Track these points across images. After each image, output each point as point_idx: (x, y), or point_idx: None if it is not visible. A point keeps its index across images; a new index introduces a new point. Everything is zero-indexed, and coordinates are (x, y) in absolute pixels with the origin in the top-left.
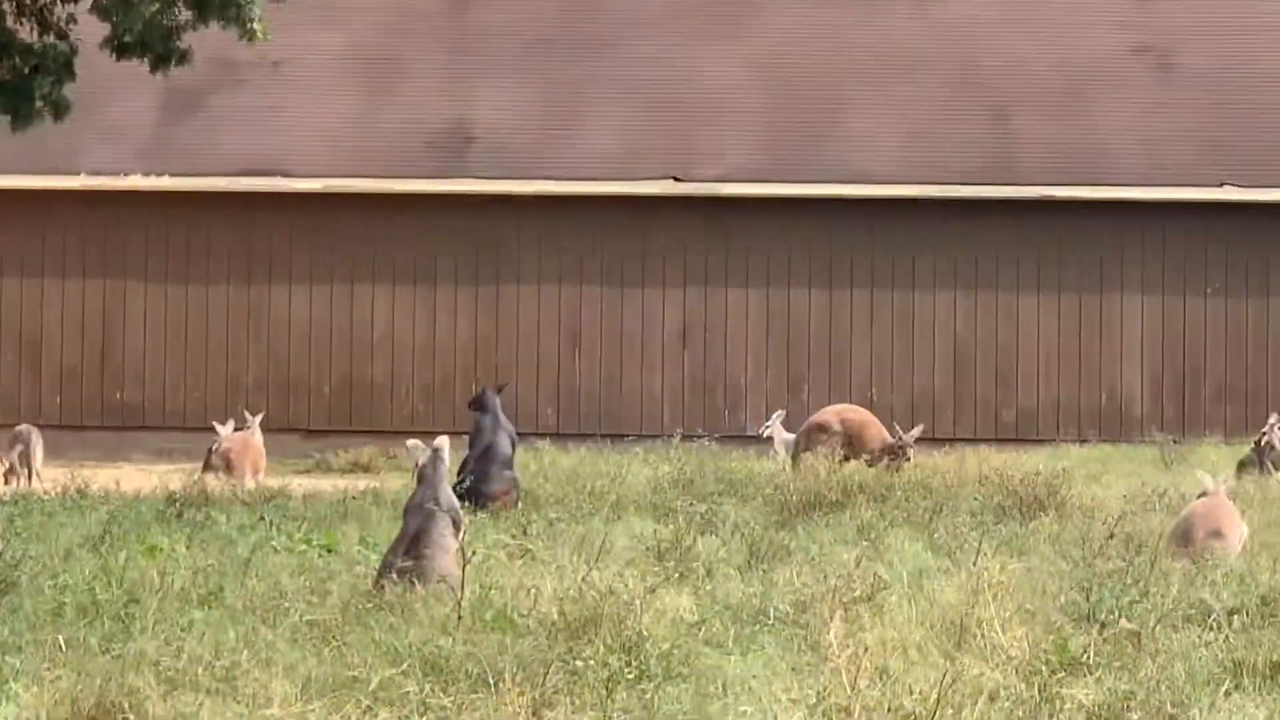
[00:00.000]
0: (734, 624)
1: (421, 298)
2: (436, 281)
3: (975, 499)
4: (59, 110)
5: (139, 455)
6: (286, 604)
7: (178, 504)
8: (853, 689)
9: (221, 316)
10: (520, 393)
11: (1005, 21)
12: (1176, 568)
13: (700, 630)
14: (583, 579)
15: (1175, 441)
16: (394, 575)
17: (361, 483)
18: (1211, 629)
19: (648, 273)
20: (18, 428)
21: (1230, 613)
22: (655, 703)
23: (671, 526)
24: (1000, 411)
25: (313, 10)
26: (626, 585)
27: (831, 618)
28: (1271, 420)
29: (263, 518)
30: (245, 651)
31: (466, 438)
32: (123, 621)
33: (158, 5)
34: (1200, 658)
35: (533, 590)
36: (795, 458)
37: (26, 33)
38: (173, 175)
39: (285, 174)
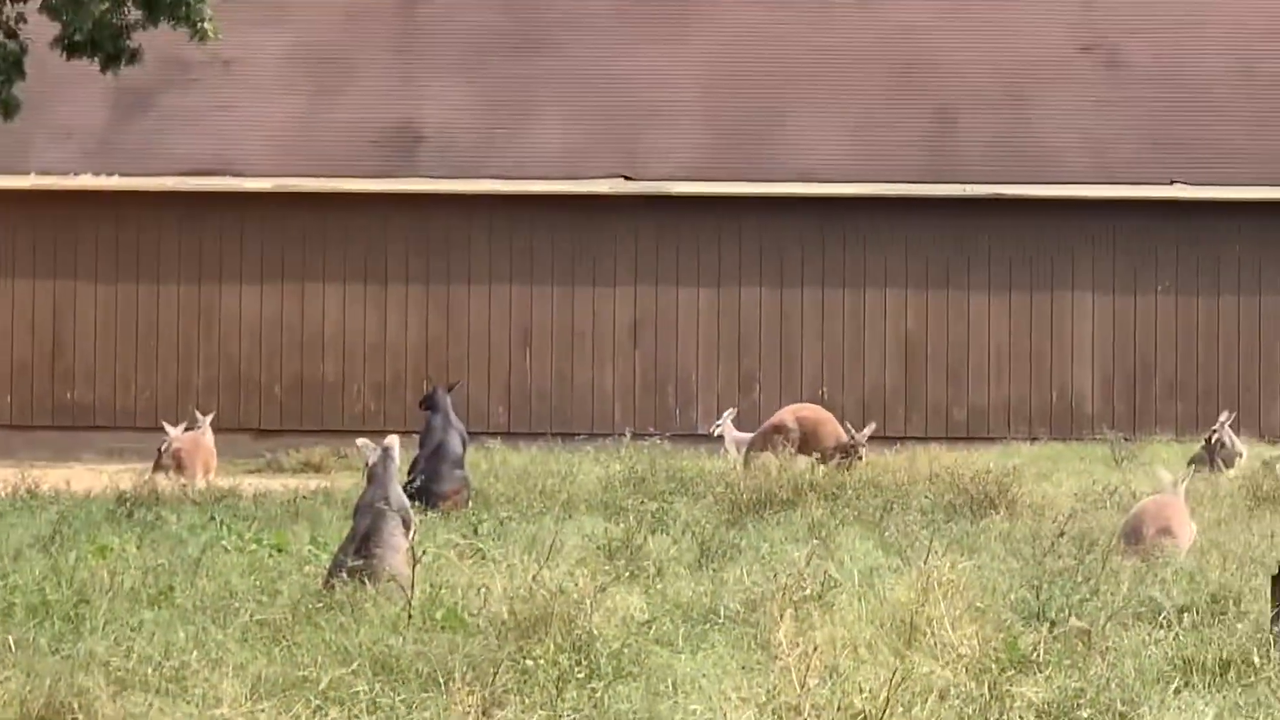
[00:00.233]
0: (684, 623)
1: (372, 297)
2: (387, 281)
3: (926, 497)
4: (9, 109)
5: (89, 455)
6: (237, 604)
7: (128, 504)
8: (802, 687)
9: (172, 316)
10: (471, 392)
11: (951, 20)
12: (1127, 566)
13: (650, 629)
14: (533, 578)
15: (1126, 439)
16: (344, 575)
17: (312, 482)
18: (1161, 627)
19: (598, 271)
20: None
21: (1180, 610)
22: (605, 702)
23: (622, 525)
24: (951, 410)
25: (262, 10)
26: (577, 584)
27: (782, 616)
28: (1222, 418)
29: (213, 517)
30: (195, 651)
31: (417, 437)
32: (72, 622)
33: (107, 4)
34: (1150, 655)
35: (483, 589)
36: (747, 460)
37: None
38: (123, 175)
39: (235, 173)
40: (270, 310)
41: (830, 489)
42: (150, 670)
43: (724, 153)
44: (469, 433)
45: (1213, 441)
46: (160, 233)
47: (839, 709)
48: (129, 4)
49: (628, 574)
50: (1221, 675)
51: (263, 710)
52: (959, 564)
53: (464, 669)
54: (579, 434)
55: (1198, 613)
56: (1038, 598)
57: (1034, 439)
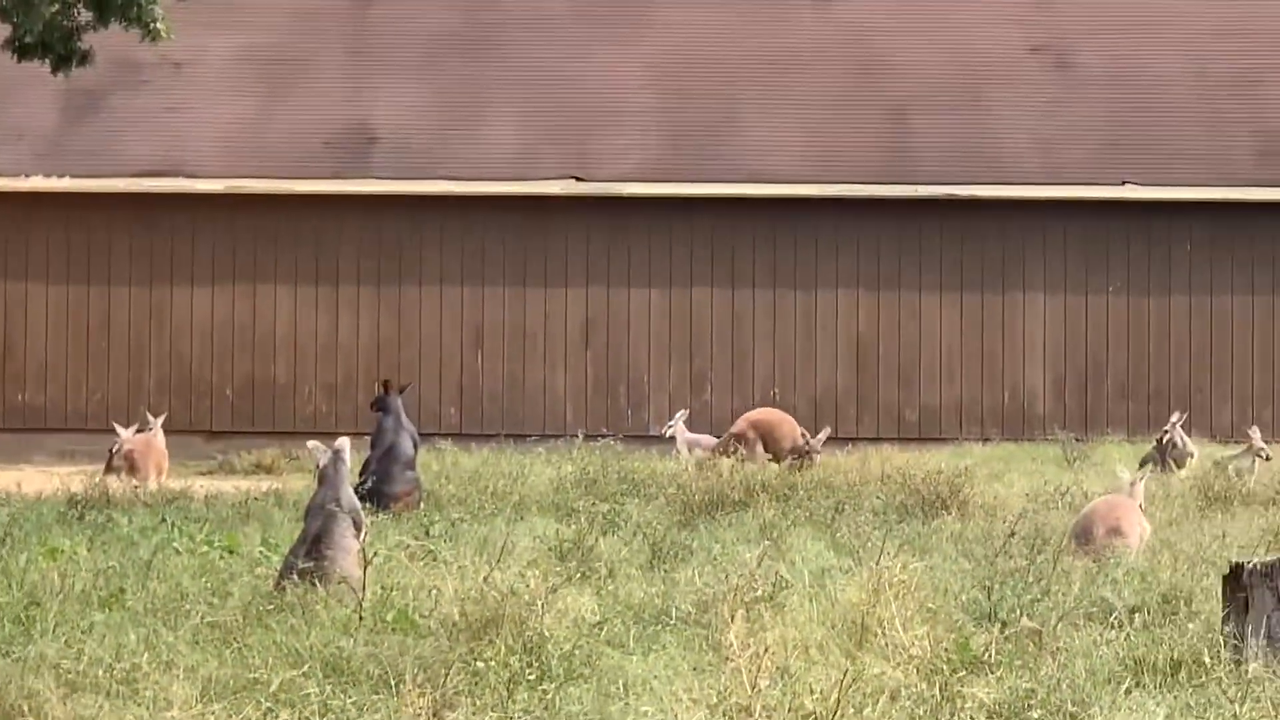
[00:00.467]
0: (635, 624)
1: (323, 298)
2: (339, 282)
3: (878, 498)
4: None
5: (40, 457)
6: (188, 606)
7: (79, 506)
8: (753, 689)
9: (123, 318)
10: (423, 393)
11: (902, 21)
12: (1078, 566)
13: (602, 630)
14: (484, 580)
15: (1077, 439)
16: (295, 576)
17: (264, 484)
18: (1113, 627)
19: (550, 272)
20: None
21: (1131, 611)
22: (556, 703)
23: (574, 526)
24: (903, 410)
25: (214, 11)
26: (528, 586)
27: (733, 617)
28: (1174, 418)
29: (164, 519)
30: (146, 654)
31: (369, 438)
32: (23, 624)
33: (58, 6)
34: (1101, 656)
35: (434, 591)
36: (700, 464)
37: None
38: (74, 176)
39: (187, 175)
40: (222, 311)
41: (782, 490)
42: (101, 672)
43: (676, 154)
44: (420, 434)
45: (1164, 442)
46: (111, 234)
47: (790, 710)
48: (80, 6)
49: (579, 575)
50: (1173, 675)
51: (213, 712)
52: (910, 565)
53: (415, 671)
54: (531, 435)
55: (1149, 613)
56: (989, 598)
57: (986, 439)
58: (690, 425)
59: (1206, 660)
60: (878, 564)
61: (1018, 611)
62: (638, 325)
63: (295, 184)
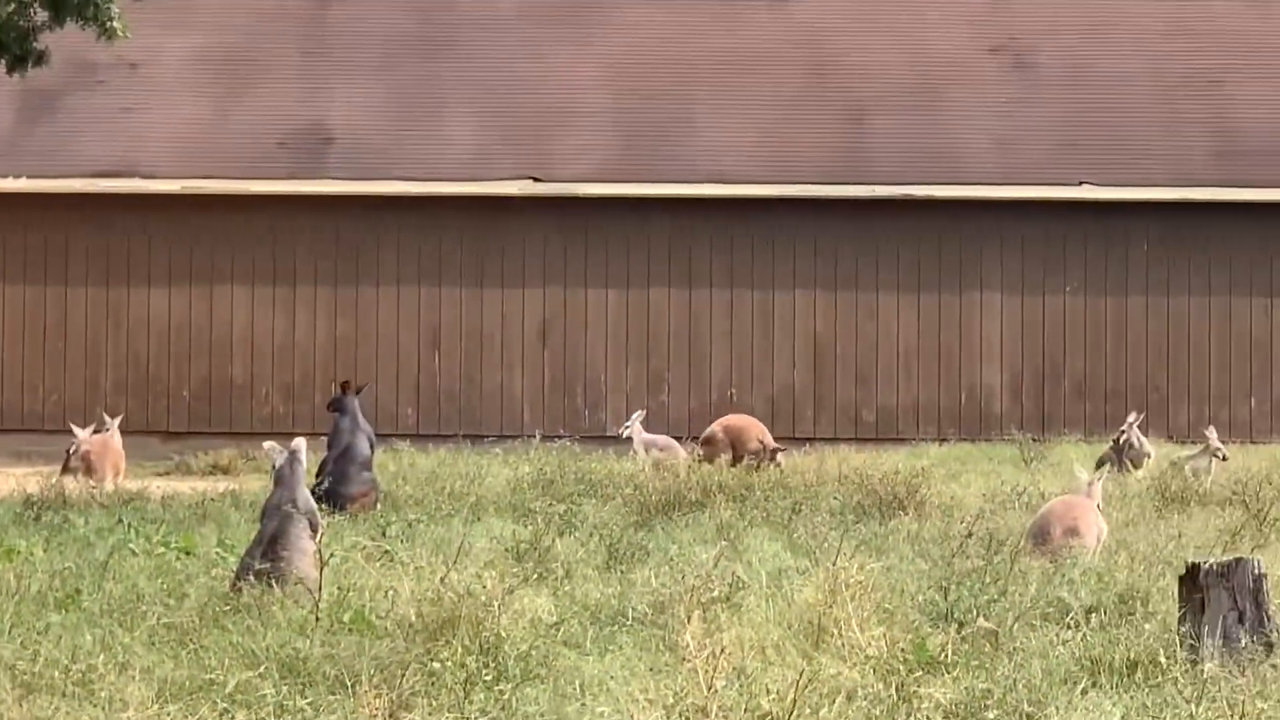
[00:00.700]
0: (592, 625)
1: (280, 298)
2: (295, 282)
3: (835, 498)
4: None
5: None
6: (144, 607)
7: (36, 507)
8: (710, 689)
9: (80, 318)
10: (380, 393)
11: (859, 21)
12: (1035, 566)
13: (558, 631)
14: (441, 580)
15: (1034, 440)
16: (251, 577)
17: (221, 485)
18: (1069, 627)
19: (506, 273)
20: None
21: (1088, 611)
22: (513, 704)
23: (530, 527)
24: (860, 410)
25: (170, 11)
26: (485, 586)
27: (689, 618)
28: (1130, 418)
29: (121, 520)
30: (102, 655)
31: (325, 439)
32: None
33: (14, 5)
34: (1057, 656)
35: (391, 592)
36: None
37: None
38: (30, 177)
39: (143, 175)
40: (178, 312)
41: (739, 491)
42: (57, 673)
43: (633, 154)
44: (378, 434)
45: (1121, 442)
46: (68, 234)
47: (746, 710)
48: (36, 5)
49: (536, 576)
50: (1129, 675)
51: (169, 713)
52: (867, 565)
53: (371, 671)
54: (488, 436)
55: (1105, 613)
56: (946, 599)
57: (943, 440)
58: (647, 426)
59: (1163, 660)
60: (834, 564)
61: (974, 612)
62: (595, 326)
63: (251, 184)
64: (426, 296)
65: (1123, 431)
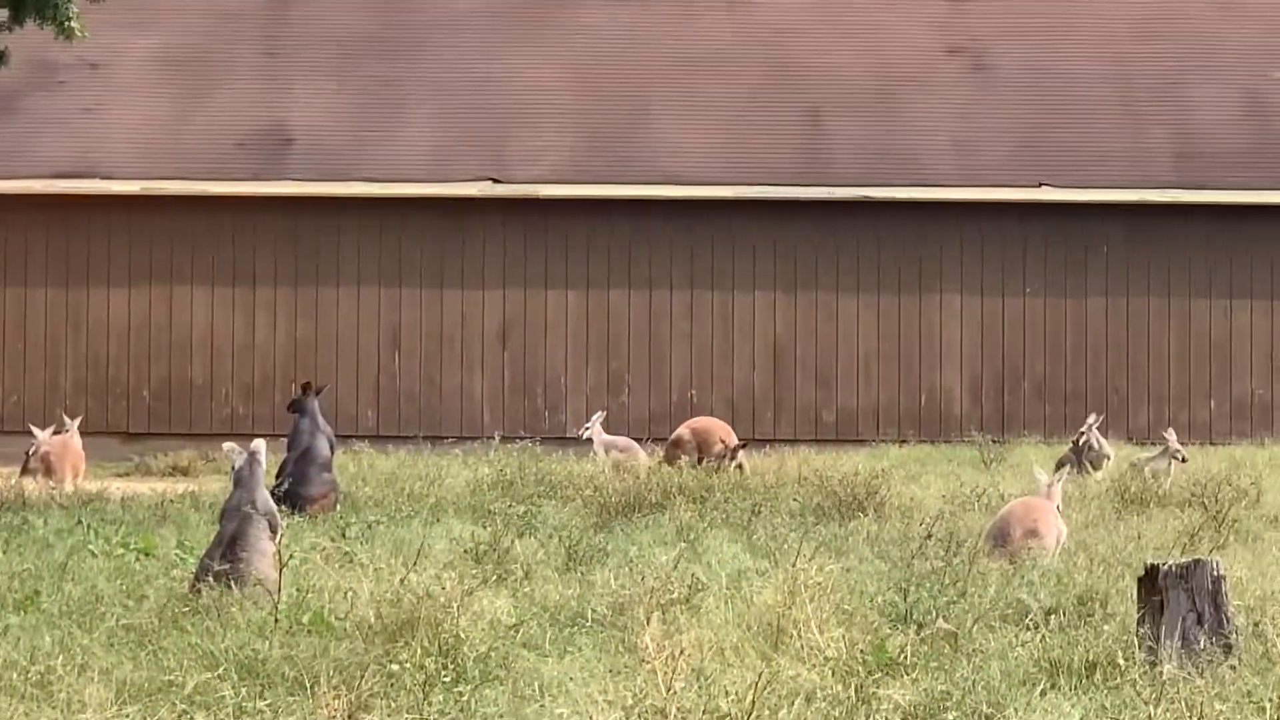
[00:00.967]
0: (551, 626)
1: (240, 299)
2: (255, 283)
3: (795, 500)
4: None
5: None
6: (103, 608)
7: None
8: (669, 691)
9: (40, 319)
10: (340, 394)
11: (818, 23)
12: (994, 568)
13: (518, 632)
14: (400, 581)
15: (994, 441)
16: (210, 579)
17: (180, 486)
18: (1028, 629)
19: (466, 274)
20: None
21: (1047, 612)
22: (472, 705)
23: (490, 528)
24: (820, 412)
25: (130, 12)
26: (444, 588)
27: (648, 619)
28: (1090, 420)
29: (80, 521)
30: (61, 656)
31: (285, 440)
32: None
33: None
34: (1016, 657)
35: (350, 593)
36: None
37: None
38: None
39: (103, 176)
40: (138, 313)
41: (699, 492)
42: (15, 675)
43: (592, 155)
44: (337, 436)
45: (1080, 444)
46: (28, 235)
47: (705, 712)
48: None
49: (495, 577)
50: (1088, 677)
51: (128, 715)
52: (827, 567)
53: (330, 673)
54: (448, 437)
55: (1065, 615)
56: (905, 600)
57: (903, 441)
58: (608, 427)
59: (1121, 662)
60: (794, 566)
61: (934, 613)
62: (555, 327)
63: (212, 185)
64: (386, 298)
65: (1082, 433)
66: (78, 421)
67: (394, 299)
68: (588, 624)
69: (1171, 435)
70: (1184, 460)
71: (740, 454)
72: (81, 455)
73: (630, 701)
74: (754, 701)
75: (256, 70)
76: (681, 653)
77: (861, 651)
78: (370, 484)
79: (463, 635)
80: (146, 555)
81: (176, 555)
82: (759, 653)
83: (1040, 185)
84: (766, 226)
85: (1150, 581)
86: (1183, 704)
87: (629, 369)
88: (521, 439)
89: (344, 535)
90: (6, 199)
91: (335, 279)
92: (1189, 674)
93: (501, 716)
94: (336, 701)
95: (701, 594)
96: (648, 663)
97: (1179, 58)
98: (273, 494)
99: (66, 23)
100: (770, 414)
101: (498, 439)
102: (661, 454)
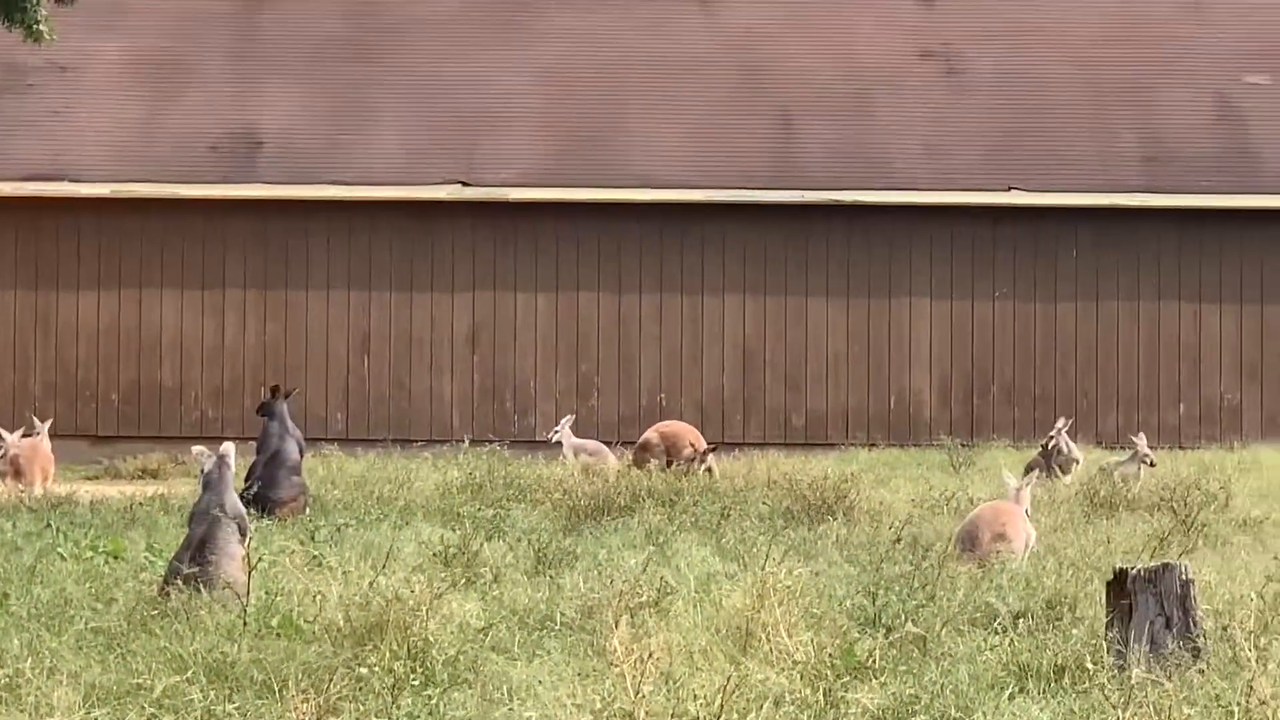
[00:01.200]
0: (520, 629)
1: (210, 302)
2: (225, 286)
3: (764, 503)
4: None
5: None
6: (71, 611)
7: None
8: (637, 694)
9: (9, 322)
10: (309, 397)
11: (790, 26)
12: (963, 571)
13: (486, 636)
14: (369, 585)
15: (963, 445)
16: (180, 582)
17: (150, 489)
18: (997, 633)
19: (436, 277)
20: None
21: (1016, 616)
22: (441, 709)
23: (459, 532)
24: (789, 415)
25: (100, 15)
26: (413, 591)
27: (617, 623)
28: (1059, 424)
29: (49, 524)
30: (29, 659)
31: (254, 443)
32: None
33: None
34: (985, 661)
35: (319, 596)
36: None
37: None
38: None
39: (73, 179)
40: (108, 316)
41: (668, 495)
42: None
43: (562, 159)
44: (307, 439)
45: (1050, 447)
46: None
47: (673, 715)
48: None
49: (464, 581)
50: (1056, 681)
51: (96, 718)
52: (796, 570)
53: (299, 676)
54: (417, 440)
55: (1033, 618)
56: (874, 604)
57: (872, 445)
58: (577, 430)
59: (1090, 666)
60: (763, 569)
61: (902, 617)
62: (524, 330)
63: (182, 188)
64: (356, 301)
65: (1051, 437)
66: (48, 424)
67: (363, 302)
68: (556, 627)
69: (1141, 439)
70: (1152, 464)
71: (709, 457)
72: (51, 458)
73: (599, 705)
74: (722, 705)
75: (226, 73)
76: (650, 656)
77: (830, 655)
78: (339, 487)
79: (431, 639)
80: (115, 558)
81: (145, 558)
82: (728, 656)
83: (1010, 189)
84: (737, 229)
85: (1119, 585)
86: (1151, 708)
87: (598, 372)
88: (490, 442)
89: (313, 538)
90: None
91: (305, 282)
92: (1157, 678)
93: None
94: (305, 705)
95: (670, 597)
96: (616, 666)
97: (1149, 62)
98: (242, 497)
99: (35, 25)
100: (740, 417)
101: (467, 442)
102: (630, 457)
